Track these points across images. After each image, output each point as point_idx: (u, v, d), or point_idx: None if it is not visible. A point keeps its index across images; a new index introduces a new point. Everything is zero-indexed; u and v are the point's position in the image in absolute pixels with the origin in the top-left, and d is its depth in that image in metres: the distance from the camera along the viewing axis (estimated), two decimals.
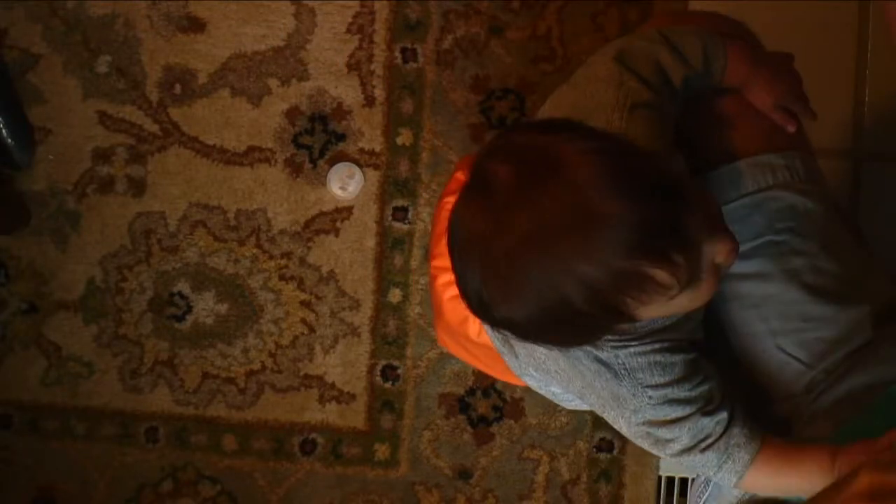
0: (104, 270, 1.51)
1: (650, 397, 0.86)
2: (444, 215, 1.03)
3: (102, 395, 1.52)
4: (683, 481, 1.40)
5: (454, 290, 1.00)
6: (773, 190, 0.90)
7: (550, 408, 1.43)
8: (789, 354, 0.89)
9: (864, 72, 1.38)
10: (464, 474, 1.46)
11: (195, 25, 1.49)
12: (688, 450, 0.88)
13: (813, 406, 0.89)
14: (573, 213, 0.69)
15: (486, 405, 1.45)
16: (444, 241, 1.02)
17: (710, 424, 0.87)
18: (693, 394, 0.87)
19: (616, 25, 1.43)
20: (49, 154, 1.52)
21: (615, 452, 1.43)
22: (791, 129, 0.92)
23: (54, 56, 1.51)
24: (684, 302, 0.76)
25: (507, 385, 1.44)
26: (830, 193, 0.94)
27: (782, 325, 0.89)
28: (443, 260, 1.04)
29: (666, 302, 0.74)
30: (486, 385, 1.45)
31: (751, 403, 0.93)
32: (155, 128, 1.50)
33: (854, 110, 1.39)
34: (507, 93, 1.45)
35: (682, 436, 0.87)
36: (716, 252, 0.74)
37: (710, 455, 0.88)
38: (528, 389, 1.43)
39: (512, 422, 1.45)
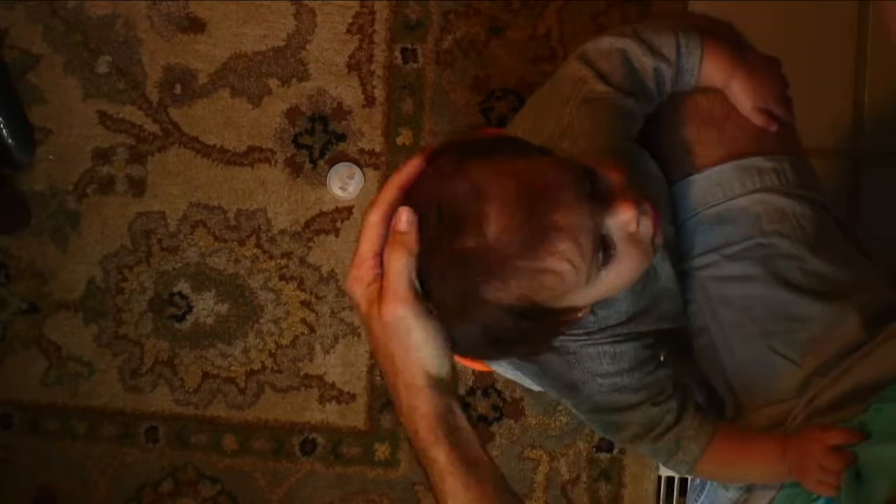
0: (104, 270, 1.51)
1: (600, 385, 0.87)
2: None
3: (102, 395, 1.52)
4: (683, 481, 1.40)
5: None
6: (761, 193, 0.89)
7: (550, 408, 1.43)
8: (781, 354, 0.88)
9: (864, 72, 1.38)
10: None
11: (195, 25, 1.49)
12: (638, 437, 0.89)
13: (808, 409, 0.88)
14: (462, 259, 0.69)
15: (486, 405, 1.45)
16: None
17: (660, 414, 0.88)
18: (643, 382, 0.87)
19: (616, 25, 1.43)
20: (49, 154, 1.52)
21: (615, 452, 1.43)
22: (772, 129, 0.91)
23: (54, 56, 1.51)
24: (612, 279, 0.73)
25: (507, 385, 1.44)
26: (824, 198, 0.93)
27: (773, 325, 0.89)
28: None
29: (586, 286, 0.72)
30: (486, 385, 1.45)
31: (741, 407, 0.92)
32: (155, 128, 1.50)
33: (854, 110, 1.39)
34: (507, 93, 1.45)
35: (632, 423, 0.88)
36: (619, 222, 0.71)
37: (661, 445, 0.89)
38: (528, 389, 1.43)
39: (512, 422, 1.45)
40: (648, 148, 0.93)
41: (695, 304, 0.92)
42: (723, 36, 0.94)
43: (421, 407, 0.70)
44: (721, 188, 0.90)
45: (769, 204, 0.89)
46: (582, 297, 0.74)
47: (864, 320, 0.88)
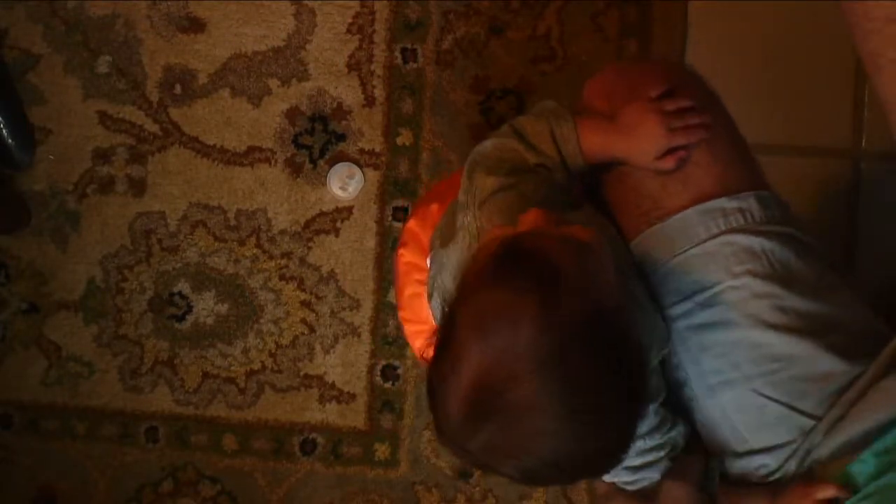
0: (104, 270, 1.51)
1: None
2: (403, 269, 1.06)
3: (102, 395, 1.52)
4: None
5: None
6: (727, 235, 0.88)
7: None
8: (766, 396, 0.87)
9: (864, 72, 1.38)
10: (464, 474, 1.46)
11: (195, 25, 1.49)
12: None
13: (808, 459, 0.87)
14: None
15: None
16: (406, 294, 1.06)
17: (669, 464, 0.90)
18: (662, 441, 0.89)
19: (616, 26, 1.43)
20: (49, 154, 1.52)
21: None
22: (678, 161, 0.89)
23: (55, 56, 1.51)
24: None
25: None
26: (794, 228, 0.91)
27: (753, 368, 0.87)
28: (410, 312, 1.06)
29: None
30: None
31: (734, 456, 0.91)
32: (155, 128, 1.50)
33: (854, 110, 1.39)
34: (506, 93, 1.45)
35: (651, 475, 0.91)
36: None
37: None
38: None
39: None
40: (606, 201, 0.94)
41: (675, 357, 0.91)
42: (692, 85, 0.93)
43: None
44: (686, 235, 0.89)
45: (737, 245, 0.88)
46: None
47: (848, 353, 0.86)
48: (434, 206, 1.05)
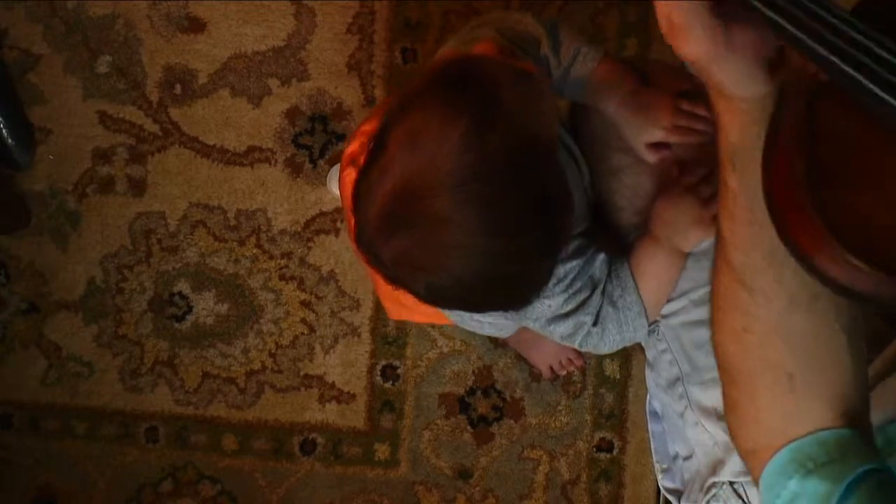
0: (104, 270, 1.51)
1: (549, 306, 0.89)
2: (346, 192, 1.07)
3: (102, 395, 1.52)
4: None
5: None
6: None
7: (550, 408, 1.43)
8: None
9: None
10: (464, 474, 1.46)
11: (195, 25, 1.49)
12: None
13: None
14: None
15: (486, 405, 1.45)
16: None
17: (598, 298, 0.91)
18: (582, 282, 0.91)
19: (616, 26, 1.43)
20: (49, 154, 1.52)
21: (615, 452, 1.43)
22: (660, 158, 0.90)
23: (54, 56, 1.51)
24: None
25: (507, 384, 1.44)
26: None
27: None
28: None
29: None
30: (486, 385, 1.45)
31: (727, 450, 0.91)
32: (155, 128, 1.50)
33: None
34: None
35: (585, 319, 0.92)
36: None
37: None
38: (528, 389, 1.43)
39: (512, 422, 1.45)
40: (600, 195, 0.95)
41: (669, 353, 0.91)
42: (695, 96, 0.93)
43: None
44: None
45: None
46: None
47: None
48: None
